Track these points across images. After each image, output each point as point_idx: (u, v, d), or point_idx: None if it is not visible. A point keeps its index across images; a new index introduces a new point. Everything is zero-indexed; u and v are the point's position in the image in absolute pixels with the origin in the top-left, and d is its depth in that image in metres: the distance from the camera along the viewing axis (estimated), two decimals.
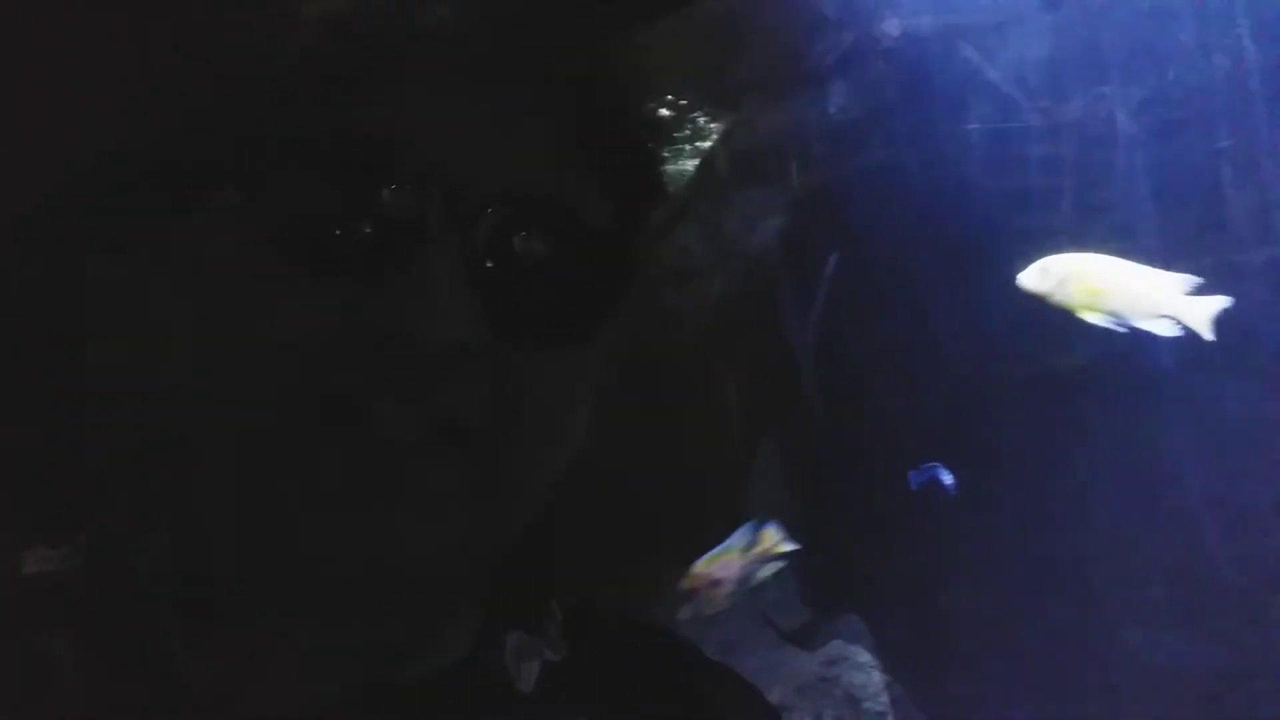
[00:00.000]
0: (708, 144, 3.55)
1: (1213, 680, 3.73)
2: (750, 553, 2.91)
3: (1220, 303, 2.43)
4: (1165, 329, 2.45)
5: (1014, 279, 2.59)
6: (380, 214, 0.46)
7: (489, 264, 0.47)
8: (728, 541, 3.05)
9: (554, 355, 0.50)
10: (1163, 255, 2.78)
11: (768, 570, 2.96)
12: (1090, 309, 2.50)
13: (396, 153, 0.47)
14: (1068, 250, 2.63)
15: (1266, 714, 3.60)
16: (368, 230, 0.46)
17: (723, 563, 2.89)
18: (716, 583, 2.85)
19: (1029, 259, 2.62)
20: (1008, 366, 3.73)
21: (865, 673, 3.20)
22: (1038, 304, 2.56)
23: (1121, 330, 2.51)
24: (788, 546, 3.00)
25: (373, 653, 0.51)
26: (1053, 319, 2.58)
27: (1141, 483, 3.82)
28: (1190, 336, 2.45)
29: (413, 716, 0.51)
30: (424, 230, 0.45)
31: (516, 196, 0.48)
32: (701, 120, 3.46)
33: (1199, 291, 2.44)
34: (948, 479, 3.42)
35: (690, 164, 3.49)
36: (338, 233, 0.46)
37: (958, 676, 3.77)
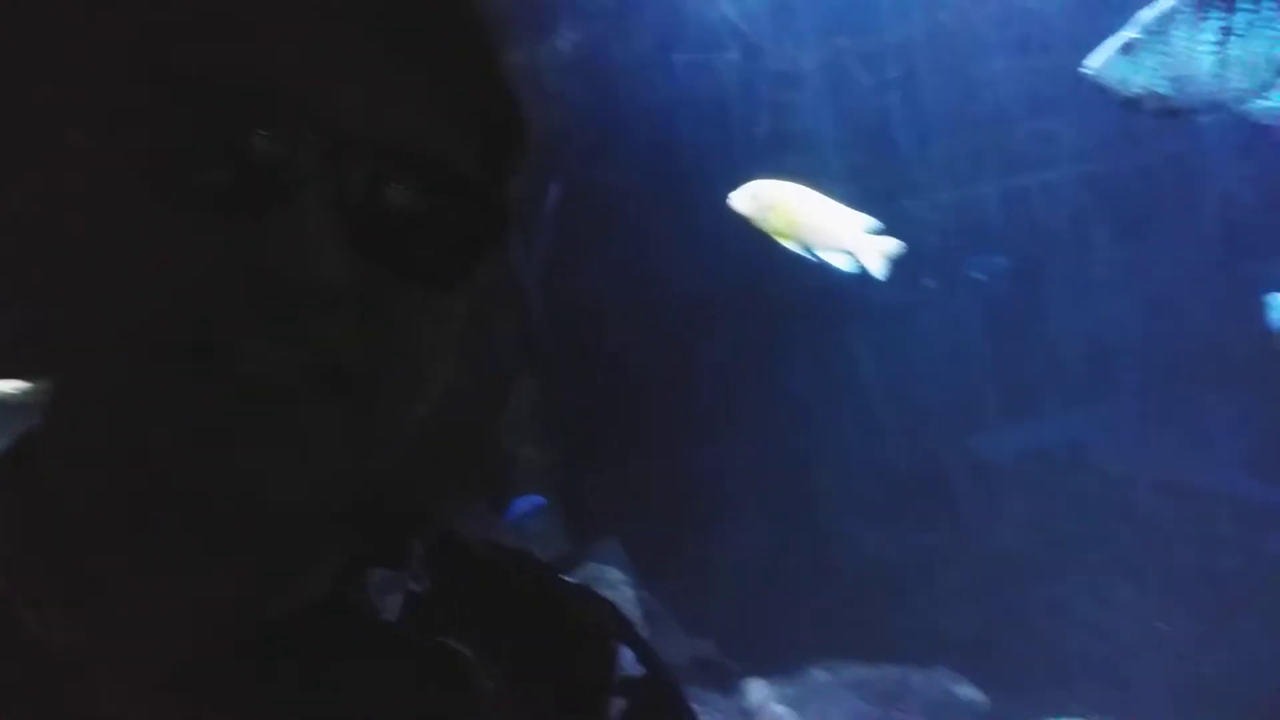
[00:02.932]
0: None
1: (918, 563, 4.24)
2: None
3: (892, 245, 2.73)
4: (843, 263, 2.73)
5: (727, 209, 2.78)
6: (253, 155, 0.45)
7: (362, 209, 0.47)
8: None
9: (424, 299, 0.50)
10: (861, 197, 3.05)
11: None
12: (786, 236, 2.74)
13: (270, 95, 0.46)
14: (774, 178, 2.85)
15: (955, 588, 4.13)
16: (240, 171, 0.45)
17: None
18: None
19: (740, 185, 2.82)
20: (726, 290, 3.98)
21: (618, 590, 3.38)
22: (745, 226, 2.77)
23: (811, 258, 2.77)
24: None
25: (238, 592, 0.51)
26: (762, 247, 2.79)
27: (853, 394, 4.24)
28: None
29: (278, 652, 0.52)
30: (298, 173, 0.45)
31: (390, 144, 0.48)
32: None
33: (877, 233, 2.74)
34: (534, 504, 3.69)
35: None
36: (209, 172, 0.45)
37: (702, 582, 4.07)
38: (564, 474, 4.06)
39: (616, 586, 3.43)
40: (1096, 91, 2.28)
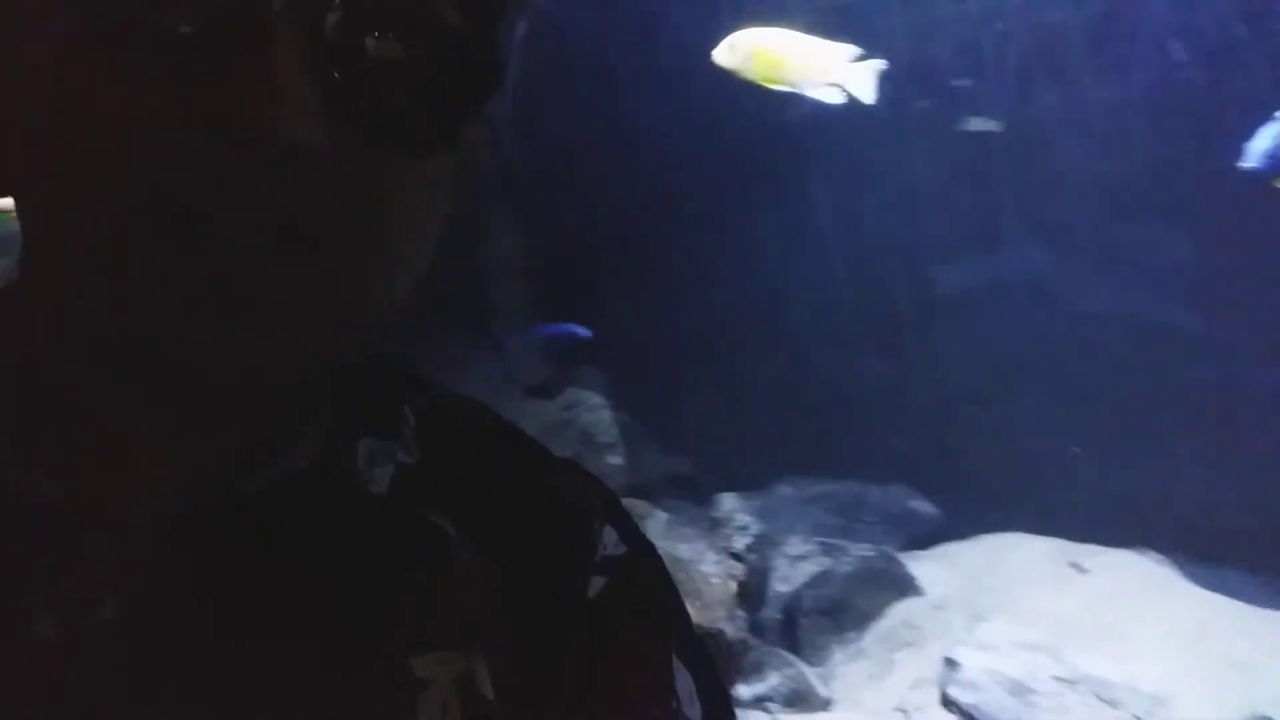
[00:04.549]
0: None
1: (880, 389, 4.50)
2: None
3: (877, 66, 2.75)
4: (833, 95, 2.76)
5: (705, 54, 2.82)
6: None
7: (338, 60, 0.42)
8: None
9: (404, 160, 0.46)
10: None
11: None
12: (773, 80, 2.77)
13: None
14: (753, 25, 2.87)
15: (914, 412, 4.40)
16: (204, 15, 0.40)
17: None
18: None
19: (718, 34, 2.85)
20: (696, 131, 4.07)
21: (597, 413, 3.61)
22: (730, 78, 2.82)
23: (799, 94, 2.81)
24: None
25: (219, 461, 0.50)
26: (731, 88, 2.85)
27: (821, 229, 4.40)
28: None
29: (262, 524, 0.51)
30: (267, 18, 0.41)
31: None
32: None
33: (860, 59, 2.76)
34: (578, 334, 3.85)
35: None
36: (171, 17, 0.40)
37: (678, 406, 4.33)
38: (548, 307, 4.25)
39: (596, 410, 3.67)
40: None
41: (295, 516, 0.52)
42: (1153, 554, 3.98)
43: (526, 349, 4.26)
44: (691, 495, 4.18)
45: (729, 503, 4.21)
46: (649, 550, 0.64)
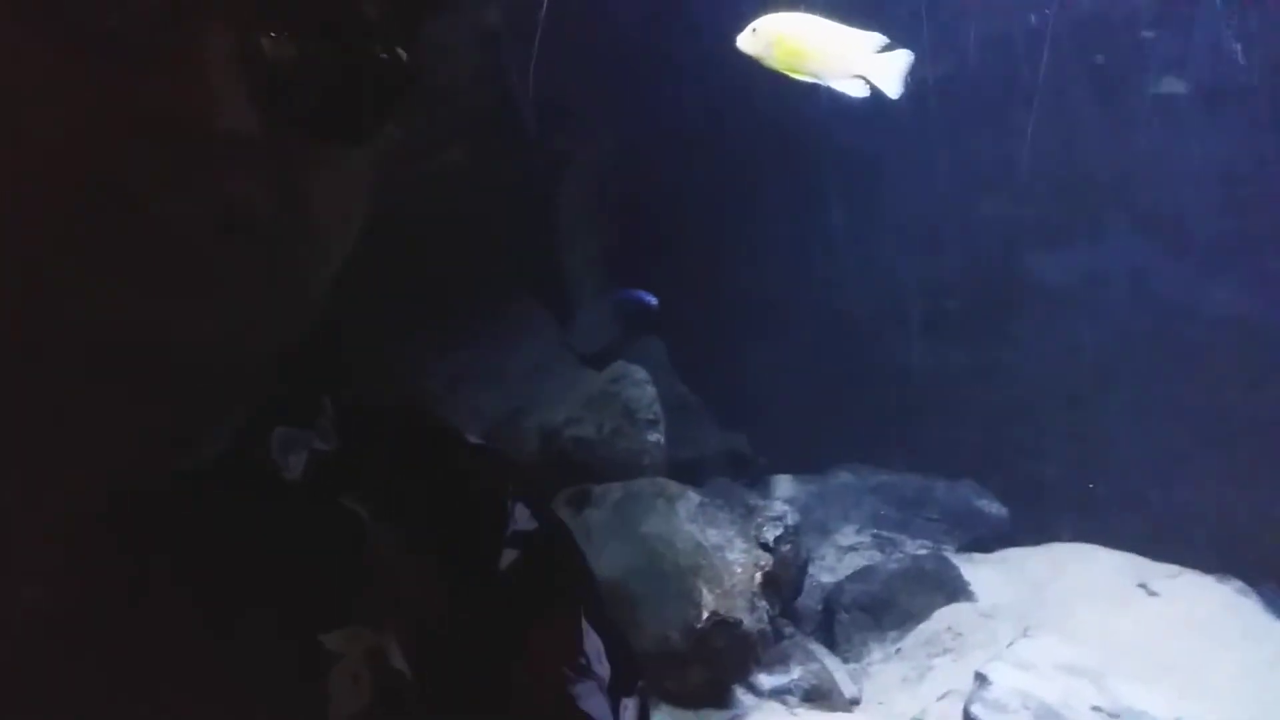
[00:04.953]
0: None
1: (957, 379, 4.27)
2: None
3: (904, 58, 2.52)
4: (856, 88, 2.55)
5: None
6: None
7: (265, 49, 0.44)
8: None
9: (332, 150, 0.49)
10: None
11: None
12: (794, 70, 2.58)
13: None
14: (780, 9, 2.67)
15: (991, 406, 4.15)
16: (132, 13, 0.42)
17: None
18: None
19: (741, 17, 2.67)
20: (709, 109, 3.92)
21: (641, 388, 3.57)
22: (753, 64, 2.65)
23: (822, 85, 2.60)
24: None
25: (152, 444, 0.51)
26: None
27: (906, 205, 4.17)
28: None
29: (181, 508, 0.52)
30: (198, 12, 0.43)
31: None
32: None
33: (887, 49, 2.54)
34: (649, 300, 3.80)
35: None
36: (98, 15, 0.42)
37: (739, 381, 4.24)
38: (611, 277, 4.22)
39: (641, 385, 3.62)
40: None
41: (209, 502, 0.54)
42: (1235, 582, 3.68)
43: (596, 313, 4.25)
44: (744, 474, 4.10)
45: (784, 486, 4.11)
46: (558, 525, 0.69)
